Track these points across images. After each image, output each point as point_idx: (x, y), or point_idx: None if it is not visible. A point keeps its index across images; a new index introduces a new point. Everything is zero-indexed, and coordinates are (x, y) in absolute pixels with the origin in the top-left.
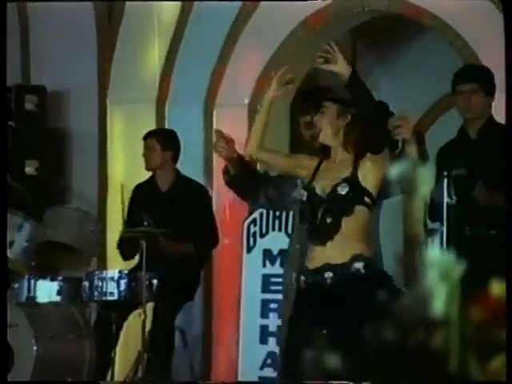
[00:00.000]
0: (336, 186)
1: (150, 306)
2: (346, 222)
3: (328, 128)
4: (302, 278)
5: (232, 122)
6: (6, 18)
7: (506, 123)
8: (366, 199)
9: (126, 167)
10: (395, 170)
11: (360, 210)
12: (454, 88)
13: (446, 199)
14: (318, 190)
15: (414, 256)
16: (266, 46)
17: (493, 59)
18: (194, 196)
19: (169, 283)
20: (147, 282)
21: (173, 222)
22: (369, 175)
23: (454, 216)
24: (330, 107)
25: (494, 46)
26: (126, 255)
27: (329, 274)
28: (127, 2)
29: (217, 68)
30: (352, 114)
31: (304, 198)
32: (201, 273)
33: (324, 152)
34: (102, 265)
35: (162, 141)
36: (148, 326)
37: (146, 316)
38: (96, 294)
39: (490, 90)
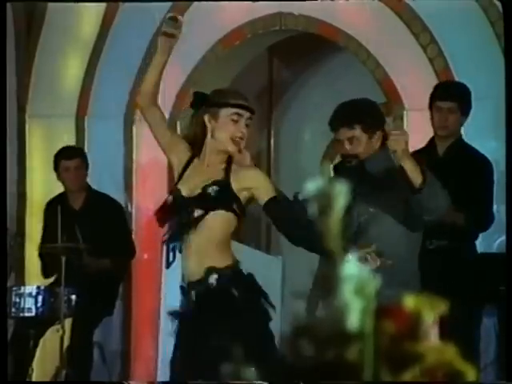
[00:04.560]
0: (206, 186)
1: (67, 321)
2: (208, 224)
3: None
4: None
5: (151, 136)
6: (6, 18)
7: (506, 127)
8: (235, 206)
9: (45, 182)
10: (311, 186)
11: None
12: (431, 102)
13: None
14: (185, 193)
15: (329, 270)
16: (185, 62)
17: (403, 78)
18: (107, 210)
19: (87, 298)
20: (65, 298)
21: (88, 237)
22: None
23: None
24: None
25: (405, 65)
26: (47, 273)
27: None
28: (46, 16)
29: (137, 82)
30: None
31: (169, 203)
32: (119, 288)
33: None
34: (21, 280)
35: (85, 160)
36: (66, 342)
37: (64, 331)
38: (13, 310)
39: (466, 111)
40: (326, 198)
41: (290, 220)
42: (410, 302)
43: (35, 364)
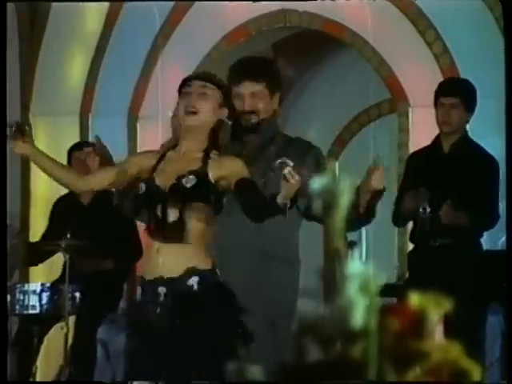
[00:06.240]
0: (180, 177)
1: (71, 318)
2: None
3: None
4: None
5: (155, 134)
6: (6, 18)
7: (506, 126)
8: (212, 198)
9: (50, 179)
10: (316, 184)
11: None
12: (436, 99)
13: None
14: (160, 182)
15: (334, 268)
16: (189, 59)
17: (408, 75)
18: (116, 209)
19: (91, 296)
20: (70, 295)
21: (94, 235)
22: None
23: (422, 226)
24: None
25: (410, 62)
26: (33, 262)
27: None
28: (50, 15)
29: (140, 80)
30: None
31: (141, 191)
32: (124, 285)
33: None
34: (25, 278)
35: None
36: (70, 340)
37: (68, 329)
38: (17, 307)
39: (470, 106)
40: (331, 195)
41: (259, 199)
42: (414, 299)
43: (39, 361)
